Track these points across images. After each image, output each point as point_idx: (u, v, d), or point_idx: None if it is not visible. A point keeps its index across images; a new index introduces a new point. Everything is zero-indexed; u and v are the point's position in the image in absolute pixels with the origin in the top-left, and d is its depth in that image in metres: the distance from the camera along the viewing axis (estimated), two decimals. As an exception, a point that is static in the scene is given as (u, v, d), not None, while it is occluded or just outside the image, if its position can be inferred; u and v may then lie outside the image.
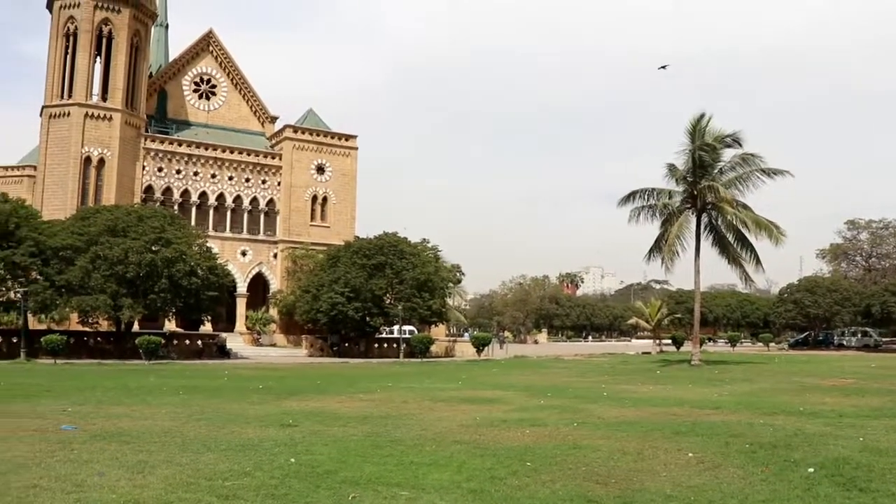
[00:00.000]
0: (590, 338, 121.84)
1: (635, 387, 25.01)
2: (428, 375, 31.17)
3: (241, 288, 63.34)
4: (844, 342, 73.68)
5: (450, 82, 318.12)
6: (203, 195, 63.56)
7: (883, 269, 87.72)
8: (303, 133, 67.43)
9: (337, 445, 11.59)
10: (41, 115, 59.40)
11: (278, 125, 70.28)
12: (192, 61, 68.85)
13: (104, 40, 59.92)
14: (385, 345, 53.98)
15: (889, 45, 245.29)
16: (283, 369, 35.11)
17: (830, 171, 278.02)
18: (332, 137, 68.66)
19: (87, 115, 58.43)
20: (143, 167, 61.39)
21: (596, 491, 8.65)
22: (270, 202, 66.03)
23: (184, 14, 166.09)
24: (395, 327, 53.42)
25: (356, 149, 69.32)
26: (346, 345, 52.08)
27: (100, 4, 59.43)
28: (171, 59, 70.72)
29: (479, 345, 52.05)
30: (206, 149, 64.11)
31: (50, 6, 60.87)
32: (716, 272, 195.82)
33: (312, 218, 66.69)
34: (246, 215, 65.26)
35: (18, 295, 40.62)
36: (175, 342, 45.72)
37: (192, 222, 57.71)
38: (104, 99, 59.87)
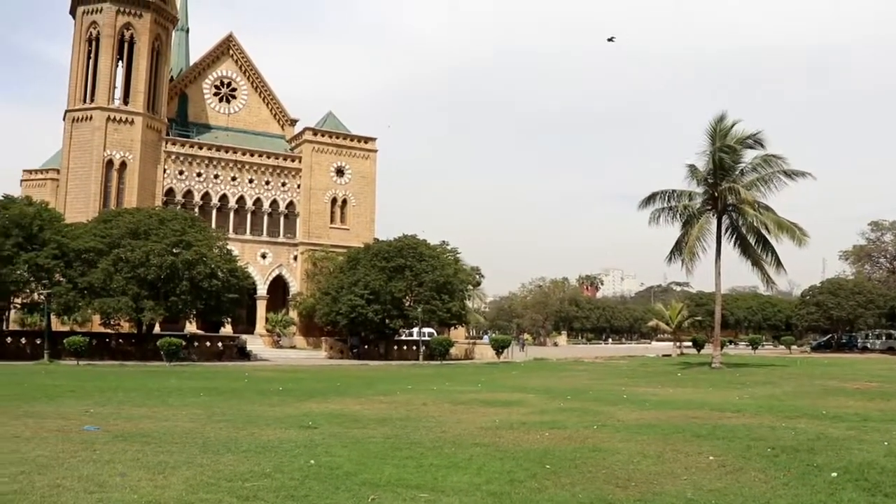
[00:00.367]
0: (610, 340, 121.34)
1: (655, 389, 24.87)
2: (447, 378, 31.15)
3: (261, 290, 63.64)
4: (868, 345, 72.82)
5: (469, 83, 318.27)
6: (223, 198, 63.95)
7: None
8: (322, 136, 67.69)
9: (356, 447, 11.61)
10: (64, 119, 60.04)
11: (298, 128, 70.63)
12: (213, 65, 69.36)
13: (126, 45, 60.49)
14: (404, 347, 54.05)
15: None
16: (303, 371, 35.21)
17: (853, 171, 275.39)
18: (352, 140, 68.86)
19: (109, 118, 59.00)
20: (164, 170, 61.86)
21: (616, 494, 8.61)
22: (290, 204, 66.31)
23: (204, 17, 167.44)
24: (415, 329, 53.46)
25: (375, 151, 69.50)
26: (366, 347, 52.17)
27: (122, 9, 60.01)
28: (191, 62, 71.30)
29: (499, 347, 51.96)
30: (227, 152, 64.51)
31: (73, 11, 61.55)
32: (737, 274, 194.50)
33: (332, 220, 66.90)
34: (266, 218, 65.58)
35: (42, 297, 41.03)
36: (196, 344, 45.99)
37: (213, 225, 58.08)
38: (126, 103, 60.41)
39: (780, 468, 10.10)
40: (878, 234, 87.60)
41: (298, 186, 66.42)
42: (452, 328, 59.90)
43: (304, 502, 8.02)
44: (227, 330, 55.64)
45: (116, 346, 43.63)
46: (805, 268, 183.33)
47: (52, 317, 42.45)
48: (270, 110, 71.31)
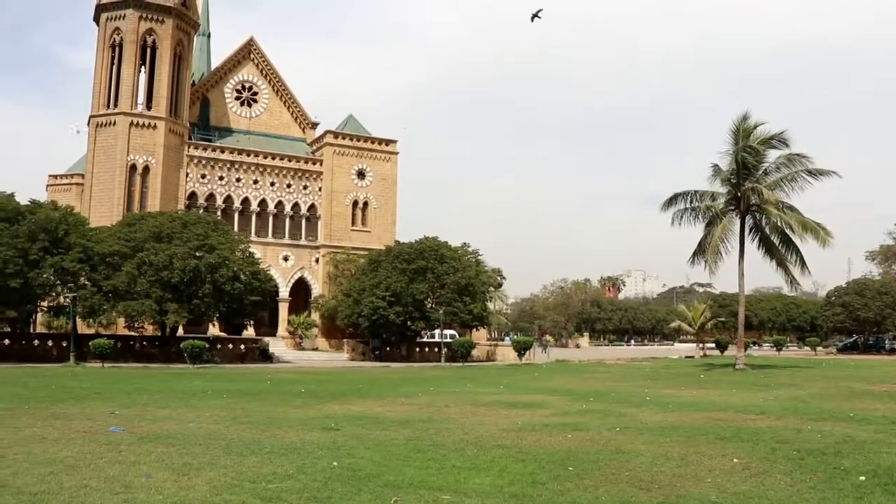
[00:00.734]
0: (632, 342, 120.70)
1: (678, 391, 24.74)
2: (469, 379, 31.15)
3: (284, 292, 63.90)
4: (896, 346, 71.98)
5: (491, 83, 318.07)
6: (245, 201, 64.30)
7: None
8: (343, 138, 67.87)
9: (379, 449, 11.64)
10: (88, 124, 60.66)
11: (319, 131, 70.86)
12: (234, 69, 69.81)
13: (148, 50, 61.00)
14: (426, 349, 54.12)
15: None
16: (325, 373, 35.35)
17: (880, 171, 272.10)
18: (373, 142, 69.00)
19: (132, 123, 59.51)
20: (187, 174, 62.32)
21: (639, 496, 8.57)
22: (312, 207, 66.56)
23: (225, 22, 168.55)
24: (437, 331, 53.51)
25: (396, 153, 69.61)
26: (388, 349, 52.31)
27: (144, 15, 60.56)
28: (213, 67, 71.77)
29: (521, 349, 51.87)
30: (248, 155, 64.88)
31: (97, 18, 62.17)
32: (761, 275, 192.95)
33: (353, 223, 67.05)
34: (288, 220, 65.87)
35: (68, 300, 41.49)
36: (219, 346, 46.31)
37: (235, 228, 58.41)
38: (149, 108, 60.93)
39: (806, 471, 10.00)
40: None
41: (320, 189, 66.65)
42: (474, 330, 59.87)
43: (327, 504, 8.06)
44: (249, 332, 55.94)
45: (140, 348, 44.03)
46: (830, 268, 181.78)
47: (78, 320, 42.92)
48: (291, 114, 71.64)
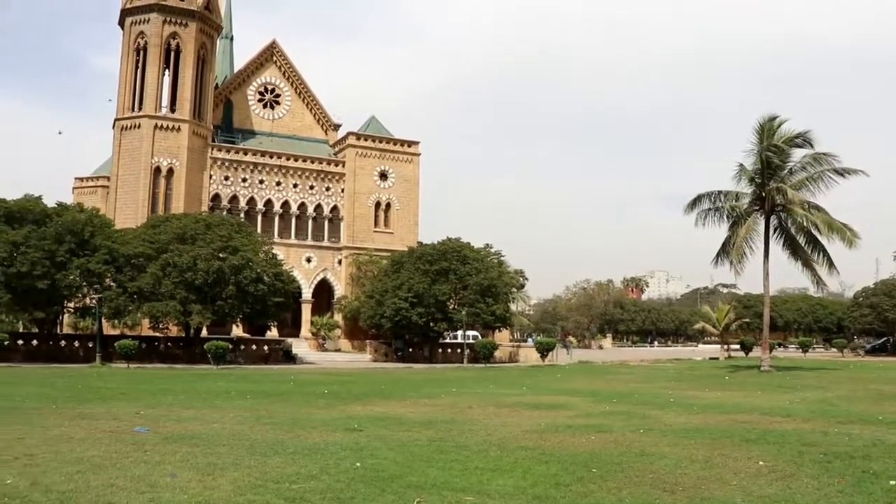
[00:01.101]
0: (655, 343, 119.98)
1: (703, 393, 24.56)
2: (492, 381, 31.13)
3: (307, 294, 64.18)
4: (926, 348, 70.90)
5: (512, 83, 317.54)
6: (268, 203, 64.67)
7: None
8: (365, 140, 68.07)
9: (402, 450, 11.65)
10: (114, 127, 61.30)
11: (341, 132, 71.14)
12: (257, 72, 70.27)
13: (172, 54, 61.55)
14: (449, 350, 54.13)
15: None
16: (348, 374, 35.46)
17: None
18: (395, 144, 69.14)
19: (156, 126, 60.07)
20: (211, 176, 62.79)
21: (663, 499, 8.52)
22: (334, 209, 66.79)
23: (247, 24, 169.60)
24: (459, 332, 53.51)
25: (419, 154, 69.71)
26: (411, 350, 52.39)
27: (168, 19, 61.13)
28: (236, 69, 72.29)
29: (544, 350, 51.74)
30: (271, 157, 65.26)
31: (122, 23, 62.85)
32: (786, 275, 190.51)
33: (376, 224, 67.22)
34: (310, 222, 66.15)
35: (94, 301, 41.93)
36: (242, 347, 46.58)
37: (258, 229, 58.73)
38: (172, 110, 61.47)
39: (834, 475, 9.88)
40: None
41: (342, 191, 66.88)
42: (497, 331, 59.79)
43: (351, 505, 8.08)
44: (272, 333, 56.23)
45: (165, 349, 44.39)
46: (858, 269, 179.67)
47: (104, 320, 43.38)
48: (314, 115, 71.98)
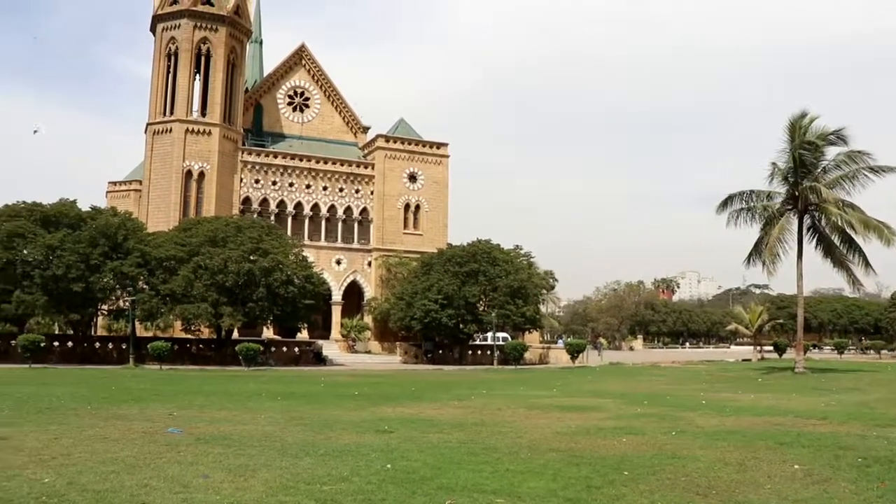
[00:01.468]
0: (687, 344, 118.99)
1: (736, 395, 24.26)
2: (522, 382, 31.03)
3: (337, 296, 64.48)
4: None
5: (541, 83, 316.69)
6: (298, 205, 65.09)
7: None
8: (394, 142, 68.27)
9: (432, 452, 11.64)
10: (146, 131, 62.08)
11: (370, 135, 71.40)
12: (286, 75, 70.80)
13: (203, 58, 62.22)
14: (479, 352, 54.09)
15: None
16: (378, 376, 35.54)
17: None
18: (424, 146, 69.26)
19: (187, 130, 60.74)
20: (241, 179, 63.34)
21: (696, 503, 8.42)
22: (364, 211, 67.05)
23: (276, 27, 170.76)
24: (489, 334, 53.46)
25: (447, 156, 69.74)
26: (440, 352, 52.43)
27: (199, 25, 61.82)
28: (265, 73, 72.85)
29: (574, 352, 51.51)
30: (301, 160, 65.68)
31: (153, 29, 63.66)
32: (820, 275, 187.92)
33: (405, 226, 67.37)
34: (340, 224, 66.46)
35: (127, 303, 42.46)
36: (273, 349, 46.89)
37: (289, 232, 59.21)
38: (203, 115, 62.12)
39: (873, 479, 9.68)
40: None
41: (372, 193, 67.11)
42: (526, 332, 59.65)
43: (382, 506, 8.08)
44: (303, 335, 56.58)
45: (197, 351, 44.82)
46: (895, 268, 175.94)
47: (136, 323, 43.91)
48: (343, 118, 72.34)
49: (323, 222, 65.84)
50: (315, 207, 65.57)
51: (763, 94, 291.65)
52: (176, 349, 42.40)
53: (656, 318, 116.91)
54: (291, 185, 64.99)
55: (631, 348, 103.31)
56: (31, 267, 39.70)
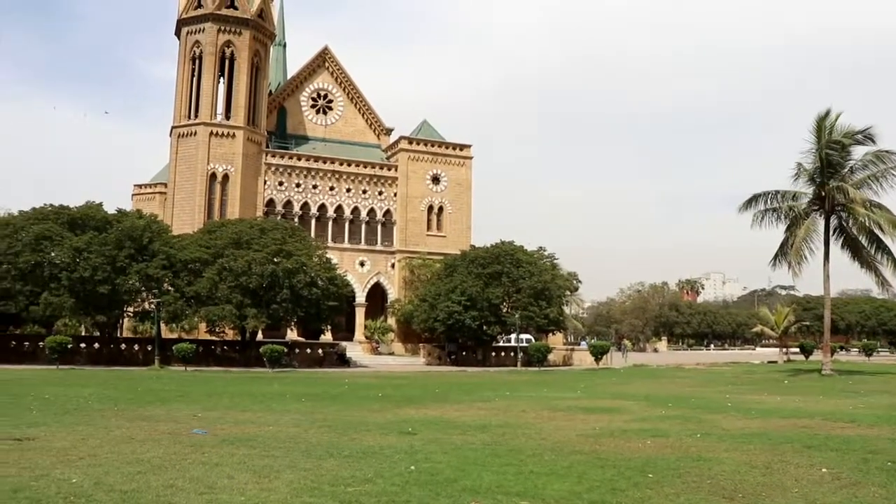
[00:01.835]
0: (712, 346, 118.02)
1: (761, 397, 24.03)
2: (546, 384, 30.95)
3: (360, 298, 64.64)
4: None
5: (565, 84, 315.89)
6: (322, 207, 65.34)
7: None
8: (417, 144, 68.34)
9: (456, 453, 11.63)
10: (170, 134, 62.61)
11: (393, 137, 71.50)
12: (309, 78, 71.11)
13: (227, 62, 62.65)
14: (502, 353, 54.01)
15: None
16: (402, 378, 35.58)
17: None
18: (447, 147, 69.24)
19: (212, 133, 61.16)
20: (265, 181, 63.70)
21: (723, 505, 8.34)
22: (387, 213, 67.18)
23: (300, 29, 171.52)
24: (513, 336, 53.34)
25: (471, 158, 69.69)
26: (464, 353, 52.40)
27: (223, 28, 62.27)
28: (289, 76, 73.19)
29: (598, 353, 51.28)
30: (324, 162, 65.93)
31: (178, 33, 64.21)
32: (847, 276, 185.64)
33: (428, 228, 67.40)
34: (363, 226, 66.63)
35: (152, 305, 42.84)
36: (297, 351, 47.10)
37: (312, 234, 59.43)
38: (227, 118, 62.53)
39: (903, 483, 9.55)
40: None
41: (395, 195, 67.23)
42: (550, 334, 59.43)
43: (405, 508, 8.09)
44: (326, 337, 56.76)
45: (221, 352, 45.12)
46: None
47: (162, 324, 44.25)
48: (366, 120, 72.53)
49: (346, 224, 66.05)
50: (338, 209, 65.80)
51: (788, 92, 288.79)
52: (200, 351, 42.72)
53: (681, 319, 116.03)
54: (315, 187, 65.25)
55: (655, 350, 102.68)
56: (59, 269, 40.14)
